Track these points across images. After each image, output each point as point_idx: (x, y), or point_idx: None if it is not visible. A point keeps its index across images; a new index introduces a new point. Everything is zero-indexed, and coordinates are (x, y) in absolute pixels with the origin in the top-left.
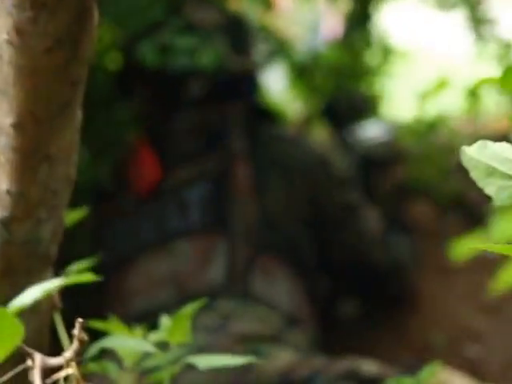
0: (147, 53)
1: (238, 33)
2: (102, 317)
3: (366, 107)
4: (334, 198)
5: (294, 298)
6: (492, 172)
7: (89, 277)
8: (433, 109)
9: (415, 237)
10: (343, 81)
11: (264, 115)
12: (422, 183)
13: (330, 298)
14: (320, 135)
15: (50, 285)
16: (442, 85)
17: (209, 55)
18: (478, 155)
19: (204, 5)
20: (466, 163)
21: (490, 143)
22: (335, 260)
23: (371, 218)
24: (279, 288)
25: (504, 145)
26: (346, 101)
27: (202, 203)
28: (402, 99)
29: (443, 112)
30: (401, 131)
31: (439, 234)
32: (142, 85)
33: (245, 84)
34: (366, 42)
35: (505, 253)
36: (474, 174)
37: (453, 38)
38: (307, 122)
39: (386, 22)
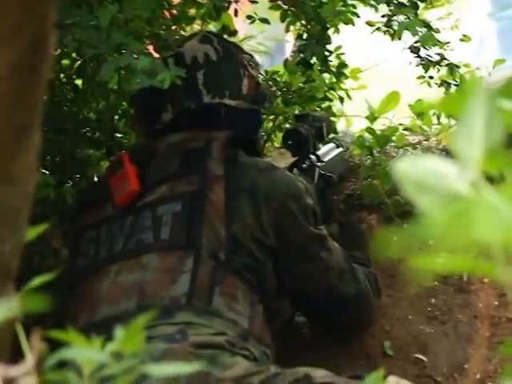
0: (108, 73)
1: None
2: (71, 320)
3: (326, 128)
4: (304, 230)
5: (253, 320)
6: (423, 186)
7: (40, 301)
8: (384, 123)
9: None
10: (301, 102)
11: (244, 145)
12: (374, 195)
13: (289, 319)
14: (278, 158)
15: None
16: (392, 99)
17: (164, 75)
18: (409, 170)
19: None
20: (398, 178)
21: (421, 158)
22: (301, 289)
23: (337, 249)
24: (240, 308)
25: (435, 159)
26: (307, 124)
27: (174, 221)
28: (356, 116)
29: (394, 126)
30: (354, 145)
31: None
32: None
33: (228, 117)
34: (324, 61)
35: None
36: (406, 189)
37: (403, 59)
38: (265, 144)
39: (341, 41)
